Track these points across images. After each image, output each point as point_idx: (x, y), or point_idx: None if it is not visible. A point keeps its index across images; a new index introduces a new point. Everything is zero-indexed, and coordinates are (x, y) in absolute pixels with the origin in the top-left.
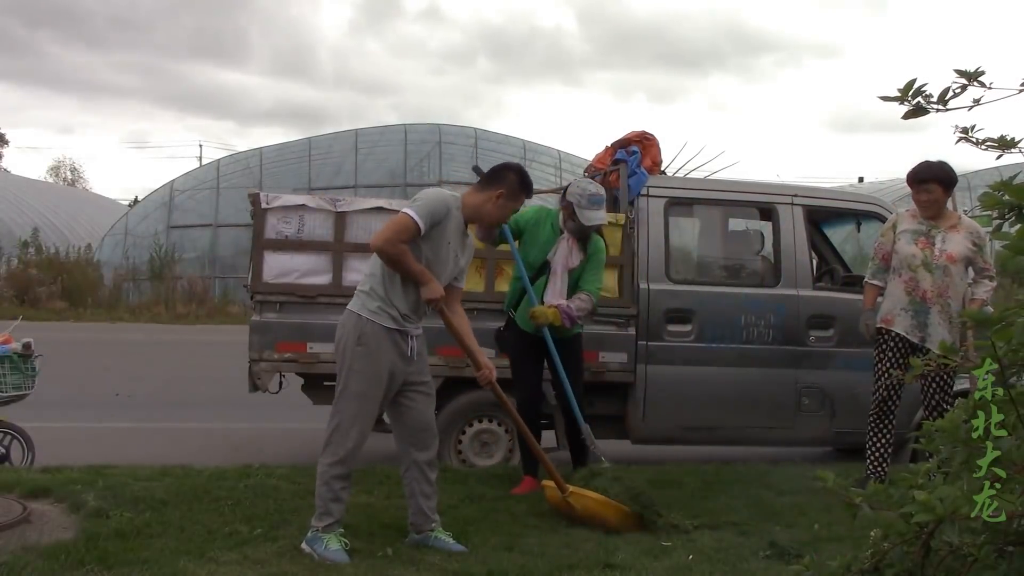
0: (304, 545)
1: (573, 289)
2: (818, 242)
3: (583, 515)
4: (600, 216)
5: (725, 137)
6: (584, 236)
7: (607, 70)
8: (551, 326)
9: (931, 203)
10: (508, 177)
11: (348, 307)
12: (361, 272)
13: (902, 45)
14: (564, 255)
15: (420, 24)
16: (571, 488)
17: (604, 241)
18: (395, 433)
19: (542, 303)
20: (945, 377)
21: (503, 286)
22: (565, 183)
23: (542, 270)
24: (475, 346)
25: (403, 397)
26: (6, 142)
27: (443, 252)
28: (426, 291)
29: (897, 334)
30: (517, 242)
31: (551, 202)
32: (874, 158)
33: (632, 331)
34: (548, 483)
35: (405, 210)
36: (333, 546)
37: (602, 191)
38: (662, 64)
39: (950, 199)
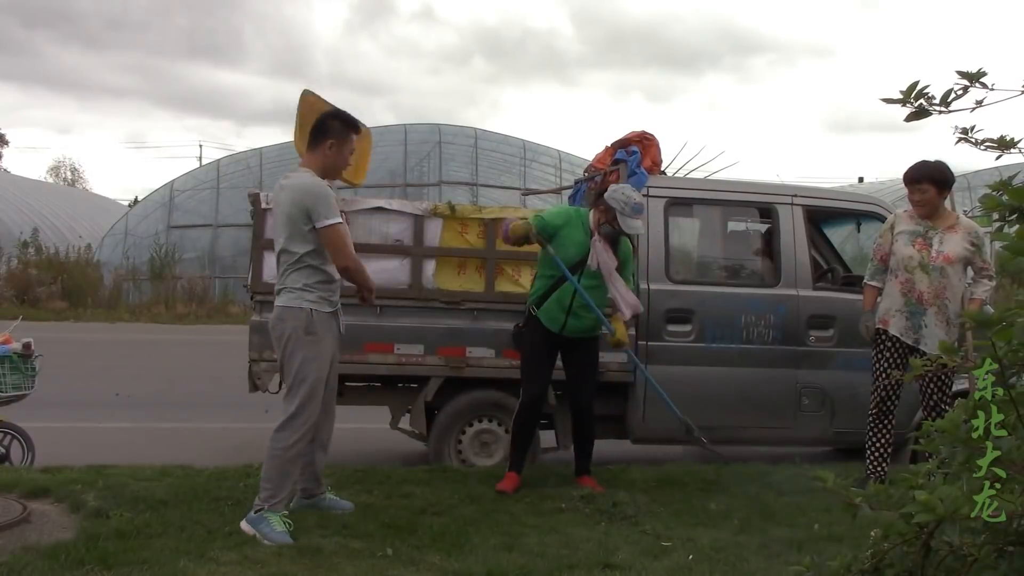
0: (247, 525)
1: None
2: (818, 242)
3: None
4: (640, 226)
5: (724, 137)
6: (616, 239)
7: (603, 70)
8: (579, 327)
9: (924, 202)
10: (332, 126)
11: (282, 304)
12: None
13: (893, 44)
14: (606, 257)
15: (415, 25)
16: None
17: (631, 243)
18: None
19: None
20: (944, 377)
21: (504, 286)
22: (565, 183)
23: (574, 270)
24: None
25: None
26: (6, 142)
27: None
28: (371, 281)
29: (895, 335)
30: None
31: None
32: (872, 158)
33: (632, 331)
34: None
35: (329, 222)
36: (278, 528)
37: (643, 200)
38: (658, 64)
39: (948, 199)
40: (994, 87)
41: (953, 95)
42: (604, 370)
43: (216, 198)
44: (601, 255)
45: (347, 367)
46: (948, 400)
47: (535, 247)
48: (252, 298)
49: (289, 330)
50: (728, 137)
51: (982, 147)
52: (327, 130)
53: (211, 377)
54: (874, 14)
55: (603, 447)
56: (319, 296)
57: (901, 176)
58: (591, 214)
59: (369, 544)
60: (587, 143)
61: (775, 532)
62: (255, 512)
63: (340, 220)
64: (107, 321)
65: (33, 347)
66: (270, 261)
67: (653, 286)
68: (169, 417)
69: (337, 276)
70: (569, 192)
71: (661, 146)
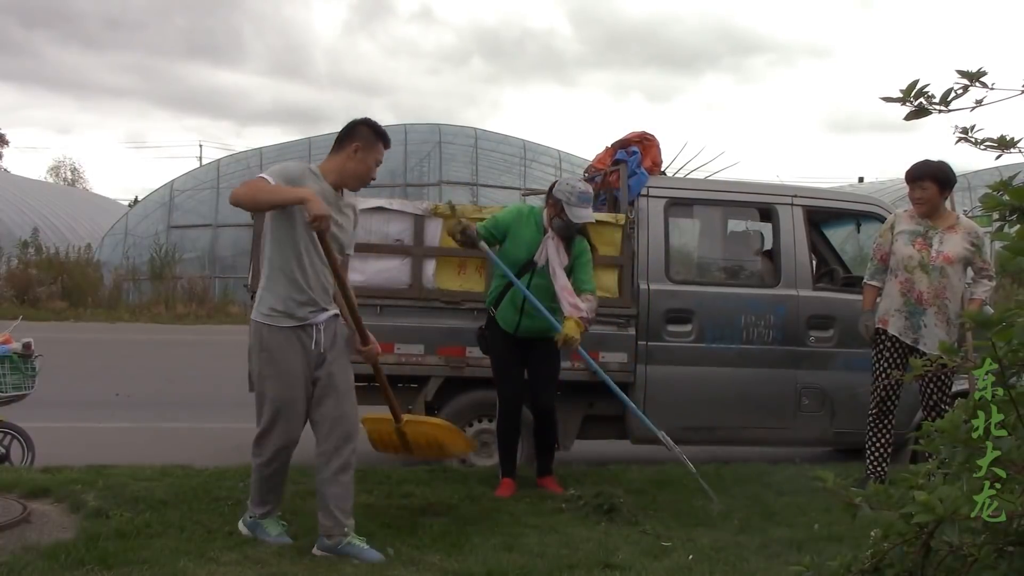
0: (243, 527)
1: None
2: (818, 242)
3: (416, 443)
4: (588, 214)
5: (723, 137)
6: (569, 235)
7: (602, 70)
8: (532, 327)
9: (925, 200)
10: (360, 130)
11: (251, 315)
12: (362, 272)
13: (892, 44)
14: (555, 253)
15: (413, 25)
16: (406, 417)
17: (588, 241)
18: (313, 430)
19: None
20: (944, 377)
21: None
22: None
23: (525, 268)
24: (359, 321)
25: (314, 391)
26: (6, 142)
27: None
28: (312, 207)
29: (894, 334)
30: (499, 245)
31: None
32: (872, 158)
33: (632, 331)
34: (372, 416)
35: (260, 175)
36: (274, 531)
37: (590, 189)
38: (656, 64)
39: (948, 199)
40: (994, 86)
41: (953, 94)
42: (604, 370)
43: (216, 198)
44: (549, 250)
45: None
46: (948, 400)
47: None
48: (252, 298)
49: (249, 344)
50: (728, 137)
51: (982, 147)
52: (355, 135)
53: (211, 377)
54: (872, 14)
55: (603, 447)
56: (271, 308)
57: (901, 176)
58: (544, 211)
59: (369, 544)
60: (587, 143)
61: (775, 532)
62: (251, 517)
63: (265, 176)
64: (107, 321)
65: (33, 347)
66: None
67: (653, 286)
68: (169, 417)
69: (309, 283)
70: None
71: (661, 146)
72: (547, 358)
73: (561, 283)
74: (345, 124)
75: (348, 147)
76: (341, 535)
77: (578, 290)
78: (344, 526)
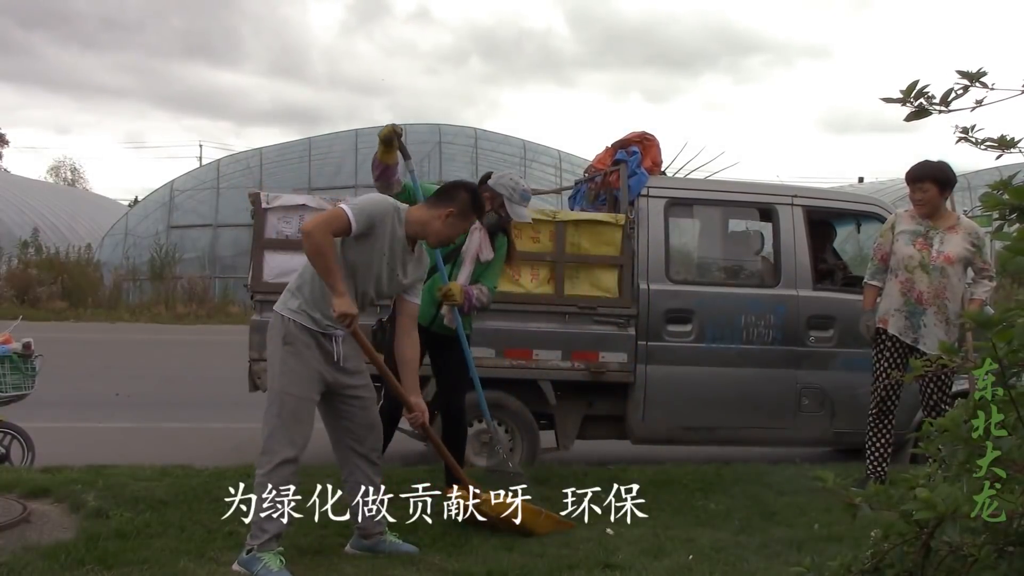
0: (238, 567)
1: (473, 282)
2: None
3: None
4: (527, 214)
5: (723, 137)
6: (496, 231)
7: (601, 71)
8: (437, 324)
9: (926, 202)
10: (460, 196)
11: (274, 307)
12: None
13: (890, 45)
14: (477, 246)
15: (411, 25)
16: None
17: (509, 239)
18: (332, 437)
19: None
20: (944, 377)
21: (503, 285)
22: (565, 183)
23: (448, 257)
24: (413, 382)
25: (340, 402)
26: (6, 142)
27: (374, 263)
28: (337, 304)
29: (894, 334)
30: None
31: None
32: (871, 158)
33: (632, 331)
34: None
35: (342, 205)
36: (274, 567)
37: (530, 189)
38: (655, 64)
39: (949, 199)
40: (994, 87)
41: (953, 95)
42: (604, 370)
43: (216, 198)
44: (473, 241)
45: None
46: (948, 400)
47: (543, 247)
48: (252, 298)
49: (269, 337)
50: (727, 137)
51: (982, 147)
52: (454, 200)
53: (211, 377)
54: (870, 15)
55: (603, 447)
56: (300, 307)
57: (901, 176)
58: None
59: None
60: (587, 143)
61: (775, 532)
62: (247, 553)
63: (347, 209)
64: (107, 321)
65: (33, 347)
66: (270, 261)
67: (653, 286)
68: (169, 417)
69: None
70: (569, 192)
71: (661, 146)
72: (458, 361)
73: (463, 276)
74: (447, 183)
75: (442, 208)
76: (380, 534)
77: (482, 281)
78: (383, 526)
